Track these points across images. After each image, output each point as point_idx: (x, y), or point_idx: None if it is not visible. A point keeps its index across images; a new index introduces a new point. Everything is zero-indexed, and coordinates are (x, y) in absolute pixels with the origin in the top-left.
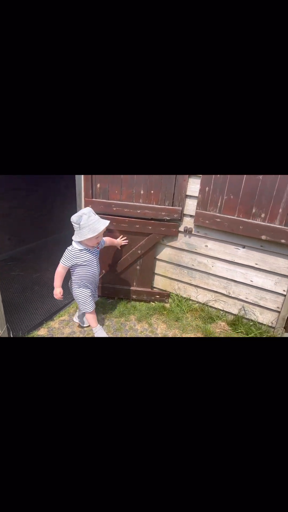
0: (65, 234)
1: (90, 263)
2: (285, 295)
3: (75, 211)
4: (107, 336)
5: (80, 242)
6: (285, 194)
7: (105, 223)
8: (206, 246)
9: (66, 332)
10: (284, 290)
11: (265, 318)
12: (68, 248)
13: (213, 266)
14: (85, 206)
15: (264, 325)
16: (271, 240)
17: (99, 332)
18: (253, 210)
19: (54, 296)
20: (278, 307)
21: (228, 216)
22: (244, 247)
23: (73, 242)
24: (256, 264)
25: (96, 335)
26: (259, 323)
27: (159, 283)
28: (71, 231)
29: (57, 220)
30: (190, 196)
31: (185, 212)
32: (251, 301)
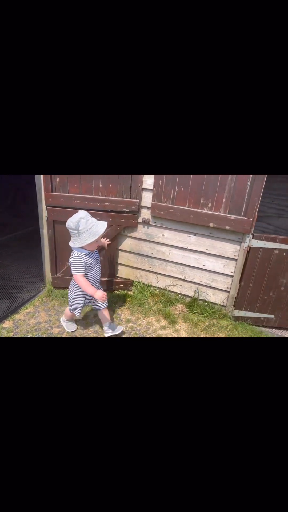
0: (28, 231)
1: (92, 268)
2: (232, 276)
3: (37, 207)
4: (75, 329)
5: (81, 247)
6: (227, 185)
7: (104, 224)
8: (163, 235)
9: (31, 323)
10: (231, 272)
11: (217, 298)
12: (73, 256)
13: (170, 253)
14: (45, 200)
15: (217, 304)
16: (218, 227)
17: (69, 325)
18: (201, 201)
19: (101, 298)
20: (227, 288)
21: (180, 207)
22: (195, 234)
23: (74, 249)
24: (207, 249)
25: (63, 324)
26: (212, 303)
27: (123, 272)
28: (35, 228)
29: (20, 216)
30: (146, 189)
31: (143, 204)
32: (205, 284)
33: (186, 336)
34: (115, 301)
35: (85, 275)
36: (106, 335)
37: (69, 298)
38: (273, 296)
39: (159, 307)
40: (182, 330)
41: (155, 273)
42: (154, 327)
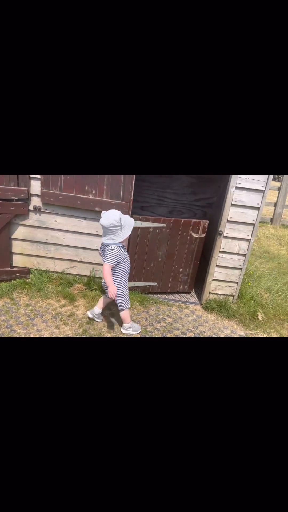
0: None
1: (127, 258)
2: None
3: None
4: (139, 331)
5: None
6: (105, 175)
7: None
8: (56, 221)
9: None
10: None
11: None
12: (111, 248)
13: (64, 238)
14: None
15: None
16: (103, 211)
17: (134, 326)
18: (86, 188)
19: (113, 295)
20: None
21: (68, 194)
22: (85, 218)
23: (110, 243)
24: (97, 231)
25: (127, 331)
26: None
27: (19, 261)
28: None
29: None
30: (34, 178)
31: (32, 192)
32: (98, 262)
33: (84, 309)
34: (13, 289)
35: (122, 266)
36: (124, 332)
37: (116, 298)
38: (153, 266)
39: (59, 289)
40: (81, 305)
41: (52, 258)
42: (53, 306)
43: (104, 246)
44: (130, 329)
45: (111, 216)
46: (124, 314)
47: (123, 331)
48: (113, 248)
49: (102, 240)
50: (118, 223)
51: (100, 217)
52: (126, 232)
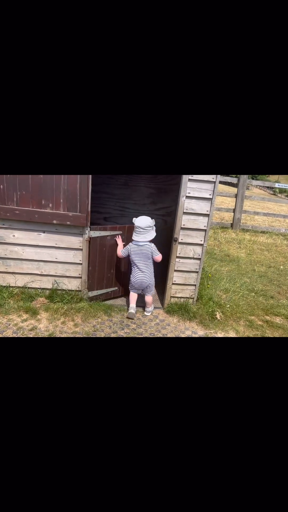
0: None
1: None
2: (81, 264)
3: None
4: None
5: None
6: (61, 188)
7: None
8: (14, 235)
9: None
10: (80, 260)
11: (73, 285)
12: (151, 246)
13: (23, 252)
14: None
15: (73, 290)
16: (61, 223)
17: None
18: (43, 202)
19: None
20: (79, 274)
21: (25, 208)
22: (44, 232)
23: (144, 241)
24: (56, 244)
25: (150, 312)
26: (69, 290)
27: None
28: None
29: None
30: None
31: None
32: (60, 274)
33: (47, 322)
34: None
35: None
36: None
37: (152, 283)
38: (113, 272)
39: (20, 304)
40: (43, 319)
41: (12, 273)
42: (15, 321)
43: (137, 245)
44: (150, 311)
45: (145, 219)
46: (151, 299)
47: (146, 313)
48: (150, 244)
49: (135, 238)
50: (152, 223)
51: (57, 230)
52: (154, 233)
